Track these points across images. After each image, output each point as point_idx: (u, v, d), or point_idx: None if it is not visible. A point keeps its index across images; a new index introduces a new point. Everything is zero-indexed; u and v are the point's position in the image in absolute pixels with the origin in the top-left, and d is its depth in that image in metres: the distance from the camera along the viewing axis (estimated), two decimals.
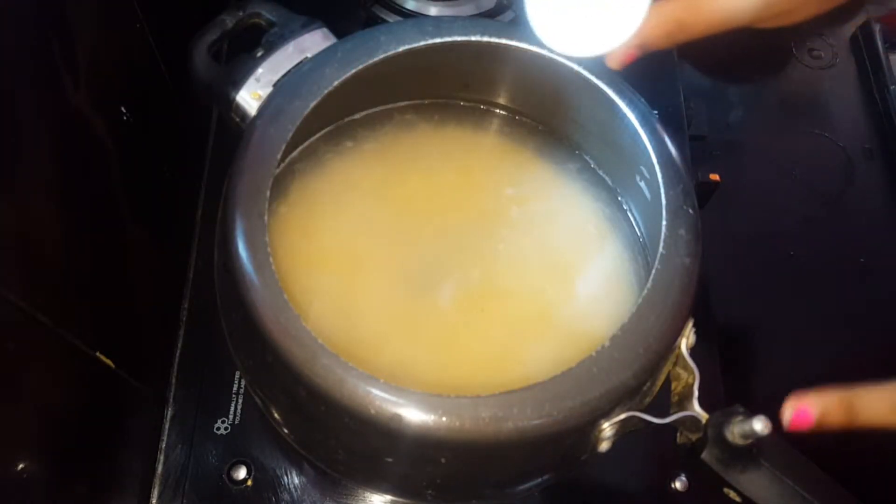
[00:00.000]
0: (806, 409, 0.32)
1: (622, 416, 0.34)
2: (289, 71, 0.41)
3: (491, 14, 0.60)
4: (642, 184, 0.41)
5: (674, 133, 0.40)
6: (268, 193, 0.36)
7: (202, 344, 0.51)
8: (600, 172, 0.46)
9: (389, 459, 0.35)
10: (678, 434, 0.36)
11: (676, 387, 0.37)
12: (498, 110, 0.48)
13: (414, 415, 0.31)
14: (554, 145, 0.47)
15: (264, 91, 0.41)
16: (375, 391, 0.32)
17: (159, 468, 0.47)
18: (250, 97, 0.41)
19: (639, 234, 0.44)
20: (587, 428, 0.34)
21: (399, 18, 0.59)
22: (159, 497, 0.46)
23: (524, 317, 0.41)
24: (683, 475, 0.48)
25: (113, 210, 0.43)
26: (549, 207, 0.45)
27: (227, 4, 0.45)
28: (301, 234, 0.42)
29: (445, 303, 0.41)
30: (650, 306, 0.35)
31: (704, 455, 0.33)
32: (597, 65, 0.41)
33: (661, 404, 0.36)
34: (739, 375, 0.54)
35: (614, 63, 0.37)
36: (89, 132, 0.40)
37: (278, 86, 0.40)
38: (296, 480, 0.46)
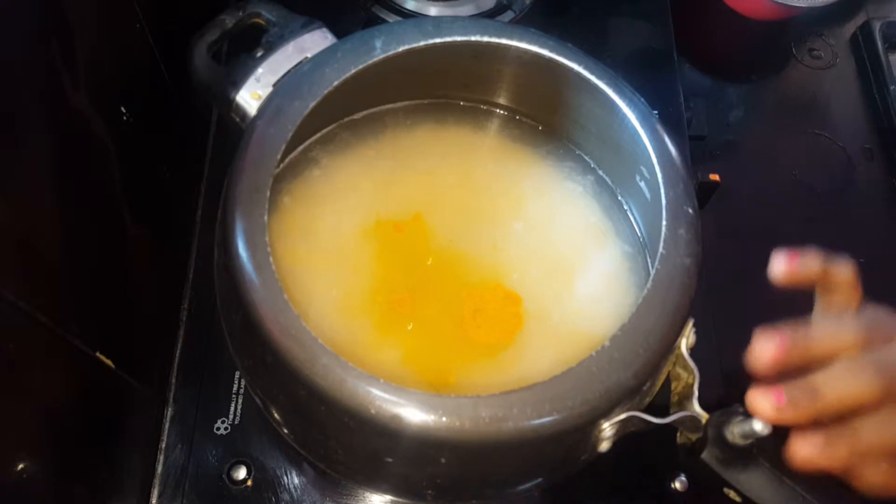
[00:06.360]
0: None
1: (622, 416, 0.34)
2: (289, 71, 0.41)
3: (491, 14, 0.60)
4: (642, 184, 0.41)
5: (674, 133, 0.40)
6: (268, 193, 0.36)
7: (202, 344, 0.51)
8: (600, 172, 0.46)
9: (389, 459, 0.35)
10: (678, 434, 0.36)
11: (676, 387, 0.37)
12: (498, 110, 0.48)
13: (414, 415, 0.31)
14: (554, 145, 0.47)
15: (264, 91, 0.40)
16: (375, 391, 0.31)
17: (159, 468, 0.47)
18: (250, 97, 0.41)
19: (639, 234, 0.44)
20: (587, 428, 0.34)
21: (399, 18, 0.59)
22: (159, 497, 0.46)
23: (524, 317, 0.41)
24: (683, 475, 0.48)
25: (113, 210, 0.43)
26: (549, 207, 0.45)
27: (227, 4, 0.45)
28: (301, 234, 0.42)
29: (445, 303, 0.41)
30: (650, 306, 0.35)
31: (704, 455, 0.33)
32: (596, 65, 0.41)
33: (661, 404, 0.36)
34: (739, 375, 0.54)
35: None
36: (89, 132, 0.40)
37: (278, 86, 0.40)
38: (296, 480, 0.46)
